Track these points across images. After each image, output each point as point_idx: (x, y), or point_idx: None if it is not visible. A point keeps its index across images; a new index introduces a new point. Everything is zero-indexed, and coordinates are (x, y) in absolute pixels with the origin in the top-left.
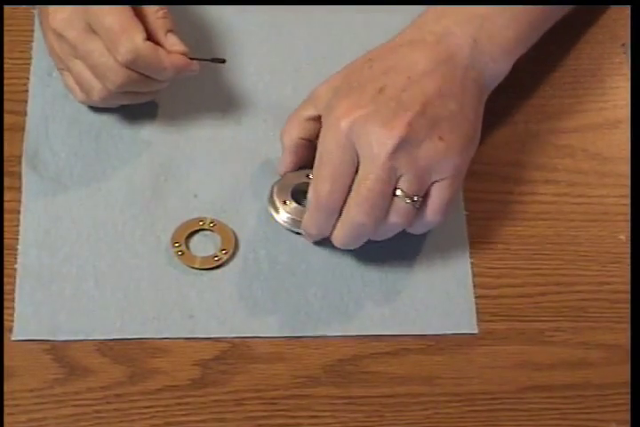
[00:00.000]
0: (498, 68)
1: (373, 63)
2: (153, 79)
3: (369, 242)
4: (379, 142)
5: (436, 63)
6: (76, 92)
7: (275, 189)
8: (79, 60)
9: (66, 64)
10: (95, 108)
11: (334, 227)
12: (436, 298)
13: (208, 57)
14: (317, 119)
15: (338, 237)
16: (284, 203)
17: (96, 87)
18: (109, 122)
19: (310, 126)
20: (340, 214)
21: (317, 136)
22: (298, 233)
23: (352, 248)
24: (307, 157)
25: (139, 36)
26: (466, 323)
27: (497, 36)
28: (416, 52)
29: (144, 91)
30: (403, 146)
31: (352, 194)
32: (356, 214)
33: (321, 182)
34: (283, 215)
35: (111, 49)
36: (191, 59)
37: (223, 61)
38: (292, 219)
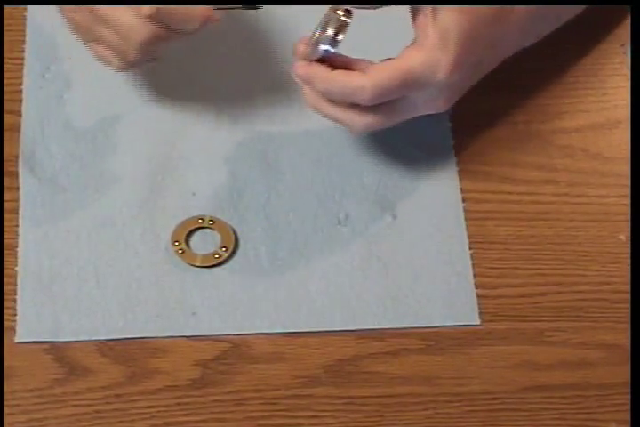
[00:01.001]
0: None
1: (494, 24)
2: (177, 33)
3: (368, 238)
4: (432, 107)
5: (516, 48)
6: (112, 61)
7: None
8: (104, 24)
9: (93, 33)
10: (89, 109)
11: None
12: (437, 291)
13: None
14: (415, 8)
15: (347, 122)
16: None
17: (129, 48)
18: (105, 122)
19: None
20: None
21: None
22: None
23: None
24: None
25: None
26: (467, 315)
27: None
28: (508, 28)
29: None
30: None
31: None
32: (380, 124)
33: (380, 83)
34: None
35: (133, 6)
36: (217, 8)
37: (256, 8)
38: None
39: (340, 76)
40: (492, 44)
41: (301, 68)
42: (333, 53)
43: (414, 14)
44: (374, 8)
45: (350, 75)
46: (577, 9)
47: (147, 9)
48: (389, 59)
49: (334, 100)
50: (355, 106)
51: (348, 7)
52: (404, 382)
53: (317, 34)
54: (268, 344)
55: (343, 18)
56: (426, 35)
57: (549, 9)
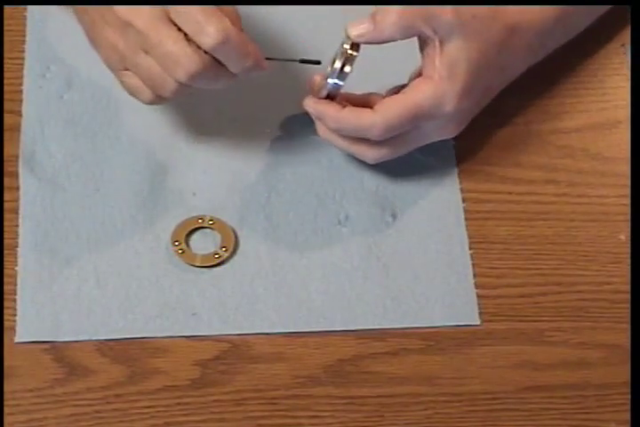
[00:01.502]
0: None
1: (502, 50)
2: (224, 72)
3: (368, 238)
4: (444, 133)
5: (525, 67)
6: (144, 93)
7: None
8: (148, 52)
9: (131, 61)
10: (89, 109)
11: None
12: (437, 291)
13: (295, 58)
14: (423, 39)
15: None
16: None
17: (168, 81)
18: (105, 122)
19: (408, 34)
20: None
21: (396, 39)
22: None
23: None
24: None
25: (227, 20)
26: (467, 315)
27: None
28: (524, 56)
29: (211, 87)
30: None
31: (406, 138)
32: (393, 154)
33: (389, 120)
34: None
35: (197, 33)
36: (267, 59)
37: (318, 63)
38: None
39: (349, 114)
40: (500, 68)
41: (312, 106)
42: (342, 89)
43: (422, 45)
44: (380, 43)
45: (359, 112)
46: (586, 22)
47: (215, 36)
48: (398, 87)
49: (346, 136)
50: (366, 140)
51: (356, 41)
52: (403, 382)
53: (328, 68)
54: (268, 344)
55: (350, 51)
56: (434, 66)
57: (558, 27)
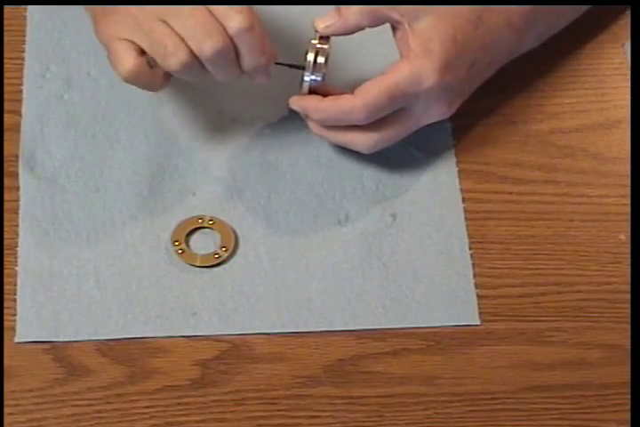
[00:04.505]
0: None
1: (479, 25)
2: (235, 66)
3: (368, 238)
4: (435, 114)
5: (511, 56)
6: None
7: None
8: (172, 22)
9: (148, 26)
10: (89, 109)
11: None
12: (437, 291)
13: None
14: (394, 24)
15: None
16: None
17: (180, 50)
18: (105, 122)
19: (375, 20)
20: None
21: (364, 27)
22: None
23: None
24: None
25: (254, 12)
26: (468, 315)
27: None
28: (505, 33)
29: (215, 75)
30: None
31: (394, 121)
32: (386, 139)
33: (369, 100)
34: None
35: (225, 16)
36: (279, 64)
37: (303, 68)
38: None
39: (329, 102)
40: (481, 45)
41: (295, 102)
42: (323, 84)
43: (394, 31)
44: (348, 33)
45: (339, 99)
46: (577, 9)
47: (245, 18)
48: None
49: (335, 126)
50: (356, 127)
51: (324, 33)
52: (403, 382)
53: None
54: (268, 344)
55: (319, 45)
56: (408, 47)
57: (546, 9)
